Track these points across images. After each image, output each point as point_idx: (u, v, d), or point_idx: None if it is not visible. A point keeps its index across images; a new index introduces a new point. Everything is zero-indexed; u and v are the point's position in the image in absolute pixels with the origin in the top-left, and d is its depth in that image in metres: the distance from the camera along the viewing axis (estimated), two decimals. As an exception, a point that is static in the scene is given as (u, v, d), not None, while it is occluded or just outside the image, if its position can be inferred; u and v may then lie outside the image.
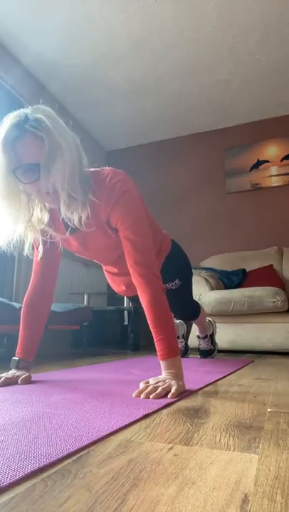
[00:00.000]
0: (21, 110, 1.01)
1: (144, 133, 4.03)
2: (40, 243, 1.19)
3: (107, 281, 1.64)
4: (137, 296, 1.54)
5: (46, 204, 1.12)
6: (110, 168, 1.16)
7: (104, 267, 1.52)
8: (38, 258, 1.24)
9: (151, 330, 1.05)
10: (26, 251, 1.15)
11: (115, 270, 1.43)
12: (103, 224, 1.15)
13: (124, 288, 1.52)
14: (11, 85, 2.90)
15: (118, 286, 1.55)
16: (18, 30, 2.67)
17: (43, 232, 1.16)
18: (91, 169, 1.15)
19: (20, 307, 2.03)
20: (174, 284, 1.57)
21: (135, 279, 1.10)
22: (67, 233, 1.20)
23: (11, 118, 0.98)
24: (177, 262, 1.57)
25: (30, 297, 1.28)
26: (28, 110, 1.00)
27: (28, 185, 1.00)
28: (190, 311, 1.86)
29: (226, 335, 2.72)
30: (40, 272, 1.29)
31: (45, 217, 1.14)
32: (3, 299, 2.03)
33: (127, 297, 1.73)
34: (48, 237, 1.17)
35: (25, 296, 1.29)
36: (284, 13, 2.54)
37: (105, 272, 1.55)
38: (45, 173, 0.95)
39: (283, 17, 2.56)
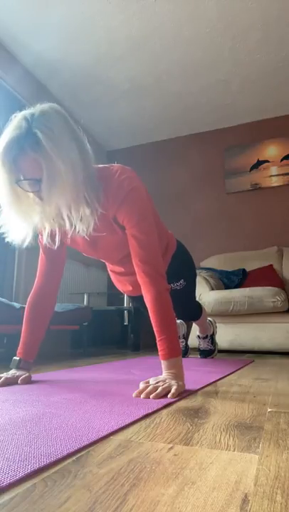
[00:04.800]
0: (24, 116, 0.96)
1: (144, 132, 4.03)
2: (57, 232, 1.13)
3: (108, 282, 1.63)
4: (142, 297, 1.54)
5: None
6: (119, 165, 1.15)
7: (109, 267, 1.51)
8: (55, 246, 1.16)
9: (154, 329, 1.05)
10: (45, 240, 1.12)
11: (121, 270, 1.43)
12: (110, 220, 1.15)
13: (130, 288, 1.51)
14: (11, 85, 2.90)
15: (124, 286, 1.54)
16: (18, 29, 2.67)
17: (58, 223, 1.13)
18: (100, 165, 1.15)
19: (21, 307, 2.03)
20: (179, 284, 1.57)
21: (140, 277, 1.09)
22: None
23: (12, 128, 0.95)
24: (182, 262, 1.56)
25: (35, 297, 1.27)
26: (33, 112, 0.96)
27: (33, 194, 1.00)
28: (193, 311, 1.86)
29: (225, 335, 2.72)
30: (46, 272, 1.28)
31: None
32: (3, 299, 2.03)
33: (133, 297, 1.72)
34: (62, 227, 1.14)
35: (30, 296, 1.29)
36: (284, 14, 2.54)
37: (110, 272, 1.55)
38: (47, 192, 0.94)
39: (283, 17, 2.56)
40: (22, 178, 0.97)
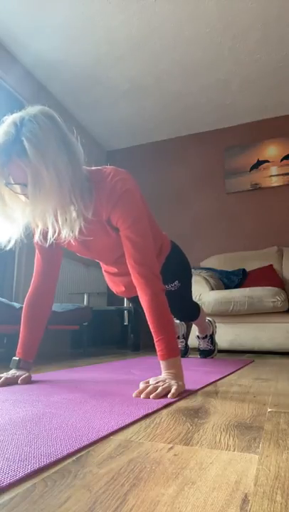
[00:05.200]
0: (13, 121, 0.97)
1: (144, 133, 4.03)
2: (50, 231, 1.15)
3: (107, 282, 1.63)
4: (136, 297, 1.54)
5: None
6: (112, 167, 1.16)
7: (103, 268, 1.52)
8: (47, 244, 1.16)
9: (151, 330, 1.05)
10: (36, 238, 1.13)
11: (115, 270, 1.44)
12: (104, 222, 1.15)
13: (123, 288, 1.52)
14: (11, 85, 2.90)
15: (117, 287, 1.55)
16: (18, 30, 2.67)
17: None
18: (93, 168, 1.15)
19: (21, 307, 2.03)
20: (173, 285, 1.57)
21: (135, 279, 1.10)
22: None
23: (1, 132, 0.96)
24: (177, 263, 1.57)
25: (32, 297, 1.28)
26: (24, 115, 0.97)
27: (24, 195, 1.01)
28: (189, 312, 1.85)
29: (225, 335, 2.72)
30: (42, 272, 1.29)
31: None
32: (3, 299, 2.03)
33: (126, 298, 1.73)
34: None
35: (27, 296, 1.29)
36: (283, 14, 2.54)
37: (104, 273, 1.55)
38: (32, 201, 0.95)
39: (283, 17, 2.56)
40: (12, 182, 0.98)
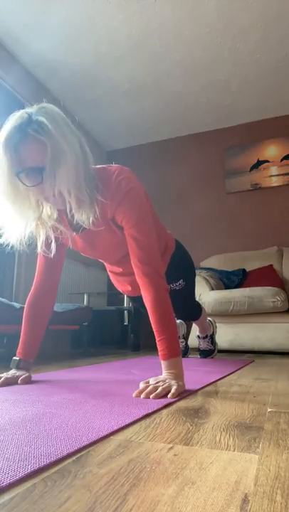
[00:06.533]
0: (25, 111, 0.99)
1: (144, 133, 4.03)
2: (53, 240, 1.15)
3: (108, 282, 1.64)
4: (141, 297, 1.54)
5: None
6: (117, 165, 1.15)
7: (108, 268, 1.51)
8: (51, 255, 1.19)
9: (154, 329, 1.05)
10: (39, 249, 1.13)
11: (120, 270, 1.43)
12: (108, 221, 1.15)
13: (129, 288, 1.51)
14: (11, 85, 2.90)
15: (123, 287, 1.54)
16: (18, 29, 2.67)
17: (54, 229, 1.13)
18: (98, 166, 1.15)
19: (21, 307, 2.03)
20: (178, 284, 1.57)
21: (139, 278, 1.10)
22: (74, 233, 1.20)
23: (13, 120, 0.97)
24: (182, 262, 1.57)
25: (33, 297, 1.27)
26: (31, 109, 0.98)
27: (33, 187, 0.99)
28: (192, 311, 1.86)
29: (225, 335, 2.72)
30: (44, 272, 1.28)
31: (55, 214, 1.12)
32: (3, 299, 2.03)
33: (132, 297, 1.72)
34: (59, 233, 1.14)
35: (29, 295, 1.29)
36: (284, 14, 2.54)
37: (109, 273, 1.55)
38: (50, 178, 0.94)
39: (283, 17, 2.56)
40: (25, 167, 0.97)
